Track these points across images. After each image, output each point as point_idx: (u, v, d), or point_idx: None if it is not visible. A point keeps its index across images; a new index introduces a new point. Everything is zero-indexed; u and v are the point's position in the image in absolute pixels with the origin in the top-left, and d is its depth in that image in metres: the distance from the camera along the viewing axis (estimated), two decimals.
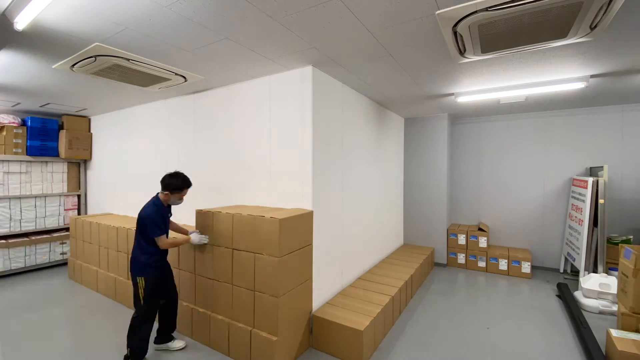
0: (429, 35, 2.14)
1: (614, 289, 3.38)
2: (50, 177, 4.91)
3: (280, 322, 2.33)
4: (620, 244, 3.17)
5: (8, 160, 4.48)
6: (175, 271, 2.86)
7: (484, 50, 2.30)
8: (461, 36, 2.08)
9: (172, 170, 2.61)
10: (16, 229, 4.52)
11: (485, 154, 5.22)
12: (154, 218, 2.41)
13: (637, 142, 4.23)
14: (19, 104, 4.19)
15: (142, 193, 3.91)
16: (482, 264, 4.76)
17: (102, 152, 5.05)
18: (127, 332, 2.44)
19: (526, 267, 4.45)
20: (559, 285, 3.92)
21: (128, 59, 2.53)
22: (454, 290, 4.00)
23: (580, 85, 3.09)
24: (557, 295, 3.82)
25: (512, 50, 2.30)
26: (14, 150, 4.51)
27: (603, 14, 1.78)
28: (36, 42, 2.25)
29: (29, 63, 2.68)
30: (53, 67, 2.73)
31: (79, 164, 5.31)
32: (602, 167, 3.90)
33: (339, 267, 3.22)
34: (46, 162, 4.87)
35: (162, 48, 2.35)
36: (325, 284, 2.98)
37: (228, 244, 2.60)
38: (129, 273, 2.59)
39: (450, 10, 1.78)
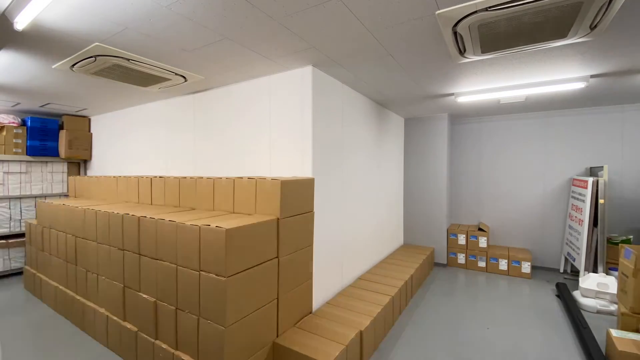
0: (429, 35, 2.14)
1: (611, 289, 3.39)
2: (50, 177, 4.91)
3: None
4: (620, 244, 3.17)
5: (8, 160, 4.48)
6: None
7: (484, 51, 2.30)
8: (461, 36, 2.08)
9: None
10: (16, 229, 4.52)
11: (485, 154, 5.22)
12: None
13: (637, 142, 4.23)
14: (19, 104, 4.19)
15: None
16: (482, 264, 4.76)
17: (102, 152, 5.05)
18: None
19: (526, 267, 4.45)
20: (557, 285, 3.92)
21: (128, 59, 2.53)
22: (454, 290, 4.00)
23: (580, 85, 3.09)
24: (556, 295, 3.82)
25: (512, 50, 2.30)
26: (14, 150, 4.51)
27: (603, 14, 1.78)
28: (36, 42, 2.25)
29: (29, 63, 2.69)
30: (53, 67, 2.73)
31: (79, 164, 5.31)
32: (602, 167, 3.90)
33: (338, 268, 3.22)
34: (46, 162, 4.86)
35: (162, 48, 2.35)
36: (325, 285, 2.98)
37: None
38: None
39: (450, 10, 1.78)
